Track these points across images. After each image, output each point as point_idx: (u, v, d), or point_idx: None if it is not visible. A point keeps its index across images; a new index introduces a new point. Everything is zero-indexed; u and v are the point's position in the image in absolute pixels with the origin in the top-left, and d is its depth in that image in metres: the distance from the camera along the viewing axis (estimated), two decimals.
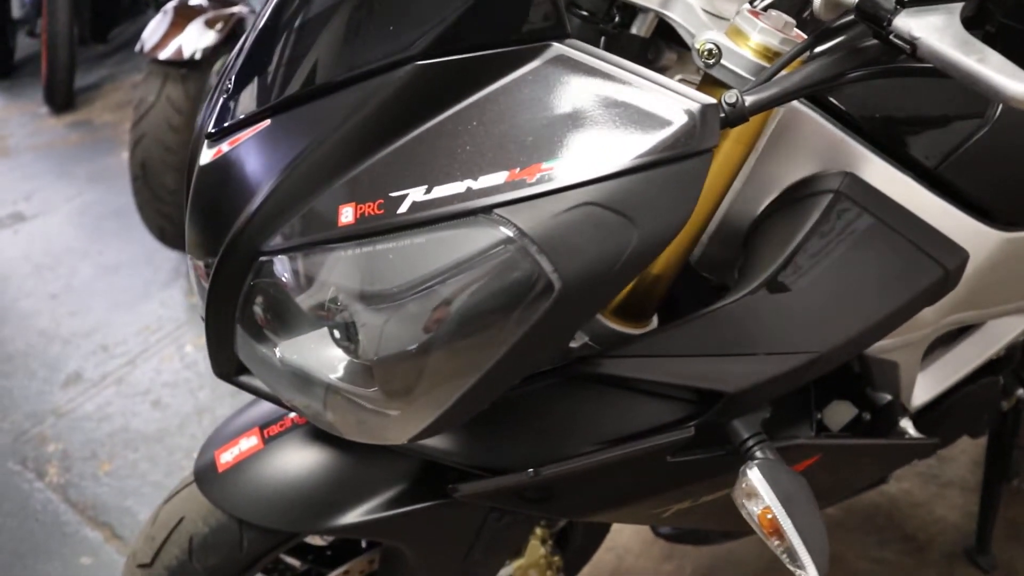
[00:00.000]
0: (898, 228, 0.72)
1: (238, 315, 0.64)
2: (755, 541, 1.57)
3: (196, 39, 2.23)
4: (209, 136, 0.64)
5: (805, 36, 0.62)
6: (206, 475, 0.88)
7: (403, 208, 0.53)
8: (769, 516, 0.68)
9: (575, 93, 0.53)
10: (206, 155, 0.64)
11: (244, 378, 0.72)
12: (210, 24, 2.29)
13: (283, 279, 0.59)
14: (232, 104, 0.63)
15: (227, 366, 0.71)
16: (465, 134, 0.54)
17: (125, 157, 2.37)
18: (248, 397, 0.99)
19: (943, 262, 0.73)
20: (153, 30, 2.26)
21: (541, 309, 0.53)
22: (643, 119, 0.52)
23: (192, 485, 0.91)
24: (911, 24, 0.49)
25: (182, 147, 2.23)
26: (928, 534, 1.58)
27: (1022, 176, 0.79)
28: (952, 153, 0.75)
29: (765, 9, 0.62)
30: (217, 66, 0.69)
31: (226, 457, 0.88)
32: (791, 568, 0.68)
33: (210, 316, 0.66)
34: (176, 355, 2.18)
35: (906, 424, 0.92)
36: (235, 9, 2.41)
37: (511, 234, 0.51)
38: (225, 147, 0.62)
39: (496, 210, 0.52)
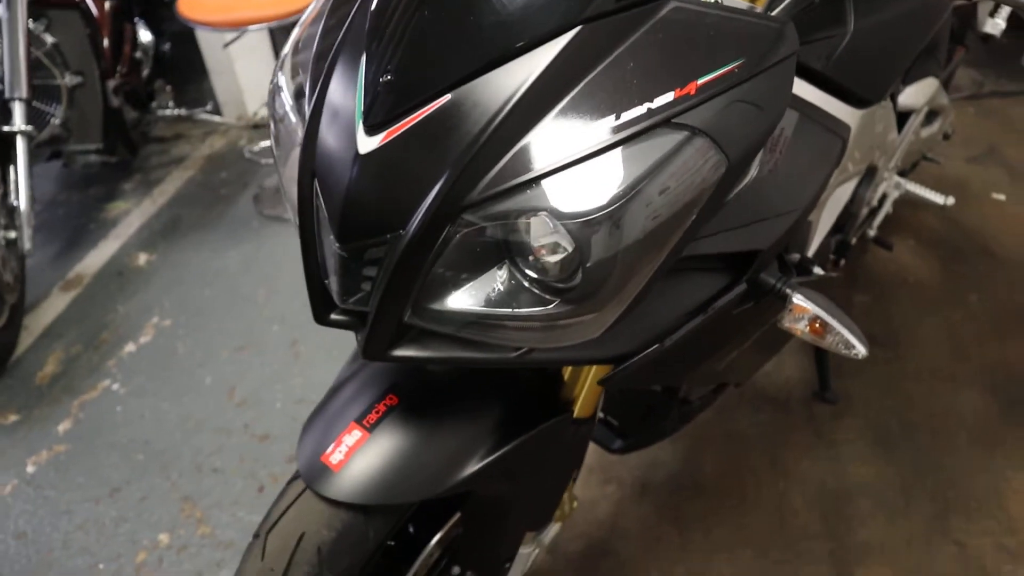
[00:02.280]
0: (813, 117, 0.99)
1: (423, 276, 0.72)
2: (669, 445, 1.84)
3: None
4: (370, 126, 0.72)
5: None
6: (322, 479, 0.90)
7: (603, 134, 0.67)
8: (817, 324, 0.92)
9: (699, 28, 0.71)
10: (369, 143, 0.71)
11: (399, 351, 0.80)
12: None
13: (493, 223, 0.69)
14: (393, 92, 0.71)
15: (384, 344, 0.78)
16: (628, 72, 0.69)
17: None
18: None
19: (841, 135, 1.02)
20: None
21: (715, 183, 0.70)
22: (753, 38, 0.72)
23: (295, 505, 0.93)
24: None
25: None
26: (785, 391, 1.97)
27: (867, 68, 1.12)
28: (831, 57, 1.04)
29: None
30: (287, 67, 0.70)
31: (336, 457, 0.91)
32: (846, 353, 0.92)
33: (388, 292, 0.73)
34: (18, 479, 1.94)
35: (818, 269, 1.22)
36: None
37: (690, 134, 0.68)
38: (394, 130, 0.71)
39: (673, 120, 0.68)
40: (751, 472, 1.79)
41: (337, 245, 0.76)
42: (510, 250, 0.72)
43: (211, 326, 2.40)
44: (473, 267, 0.74)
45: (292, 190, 0.85)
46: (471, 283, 0.75)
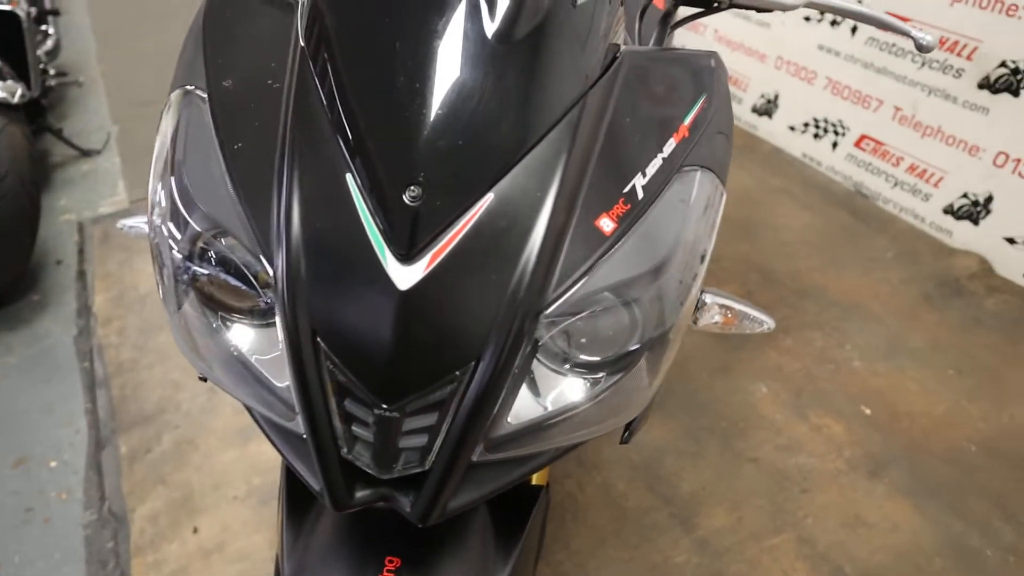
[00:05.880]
0: None
1: (498, 404, 0.63)
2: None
3: None
4: (403, 255, 0.59)
5: None
6: None
7: (640, 194, 0.66)
8: (729, 314, 1.00)
9: (658, 68, 0.74)
10: (409, 275, 0.59)
11: (460, 499, 0.71)
12: None
13: (569, 317, 0.63)
14: (425, 208, 0.60)
15: (448, 497, 0.69)
16: (629, 130, 0.68)
17: None
18: None
19: None
20: None
21: (719, 209, 0.73)
22: (700, 72, 0.76)
23: None
24: None
25: None
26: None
27: None
28: None
29: None
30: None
31: None
32: (760, 330, 1.01)
33: (463, 435, 0.64)
34: None
35: None
36: None
37: (700, 172, 0.71)
38: (439, 251, 0.60)
39: (681, 165, 0.70)
40: (569, 478, 1.86)
41: (383, 408, 0.61)
42: (567, 340, 0.67)
43: None
44: (521, 374, 0.67)
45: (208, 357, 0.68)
46: (520, 392, 0.67)
